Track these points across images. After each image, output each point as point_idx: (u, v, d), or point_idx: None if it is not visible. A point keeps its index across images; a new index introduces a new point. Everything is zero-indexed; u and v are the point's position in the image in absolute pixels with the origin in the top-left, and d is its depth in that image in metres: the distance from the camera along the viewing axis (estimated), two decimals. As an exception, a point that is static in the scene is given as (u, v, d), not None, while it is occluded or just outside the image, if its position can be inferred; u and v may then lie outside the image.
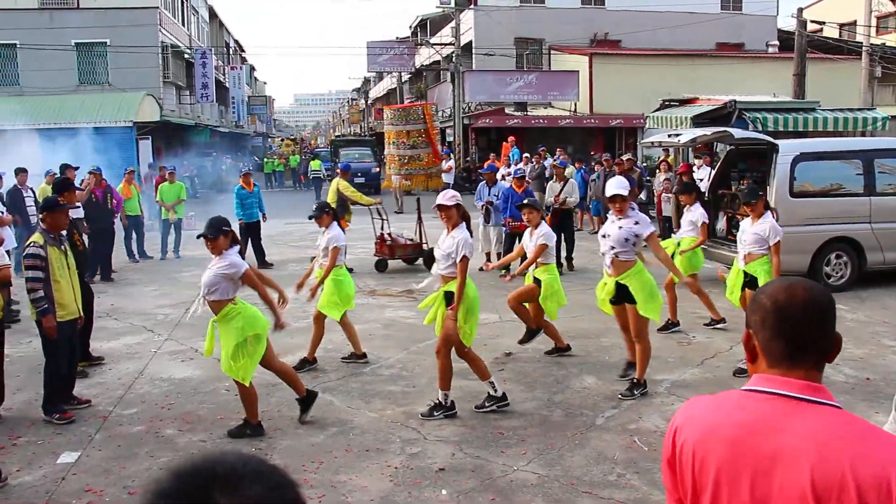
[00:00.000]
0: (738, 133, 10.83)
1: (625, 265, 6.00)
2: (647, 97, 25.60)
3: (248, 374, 5.30)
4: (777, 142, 10.06)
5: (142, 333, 8.55)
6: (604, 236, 6.12)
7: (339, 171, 12.78)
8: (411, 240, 12.45)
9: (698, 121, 16.01)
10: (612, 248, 6.00)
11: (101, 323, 8.75)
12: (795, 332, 1.57)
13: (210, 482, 0.86)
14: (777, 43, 34.10)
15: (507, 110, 30.71)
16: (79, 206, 10.31)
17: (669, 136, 12.20)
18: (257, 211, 12.87)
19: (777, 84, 24.47)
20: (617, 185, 6.01)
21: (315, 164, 29.59)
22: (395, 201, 21.23)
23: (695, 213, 8.25)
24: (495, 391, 5.84)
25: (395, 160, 11.81)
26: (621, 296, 6.05)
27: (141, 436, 5.55)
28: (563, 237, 11.69)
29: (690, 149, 17.15)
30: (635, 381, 6.15)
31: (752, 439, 1.53)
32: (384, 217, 12.38)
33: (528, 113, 30.22)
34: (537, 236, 6.97)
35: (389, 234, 12.32)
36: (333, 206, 11.69)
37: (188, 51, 36.13)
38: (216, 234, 5.31)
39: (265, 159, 37.15)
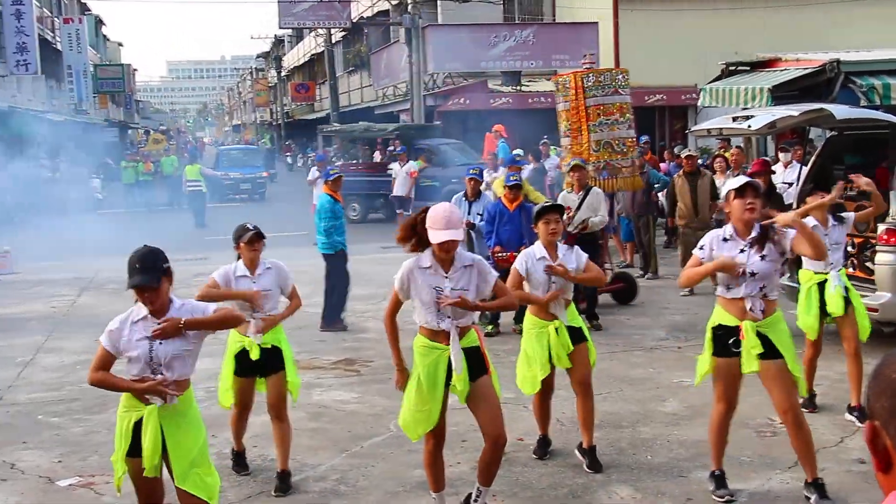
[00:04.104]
0: (841, 112, 10.89)
1: (771, 306, 6.34)
2: (701, 60, 25.88)
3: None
4: (905, 123, 10.17)
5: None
6: (752, 274, 6.28)
7: (504, 165, 14.15)
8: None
9: (781, 93, 16.16)
10: (763, 286, 6.31)
11: None
12: None
13: None
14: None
15: (491, 84, 30.92)
16: None
17: (735, 118, 12.26)
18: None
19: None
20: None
21: (192, 172, 28.63)
22: None
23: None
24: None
25: (595, 149, 12.80)
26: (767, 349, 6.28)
27: None
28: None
29: (769, 138, 17.36)
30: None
31: None
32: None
33: (524, 88, 30.49)
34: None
35: None
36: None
37: (-11, -9, 35.95)
38: (158, 277, 4.97)
39: (124, 162, 36.90)
